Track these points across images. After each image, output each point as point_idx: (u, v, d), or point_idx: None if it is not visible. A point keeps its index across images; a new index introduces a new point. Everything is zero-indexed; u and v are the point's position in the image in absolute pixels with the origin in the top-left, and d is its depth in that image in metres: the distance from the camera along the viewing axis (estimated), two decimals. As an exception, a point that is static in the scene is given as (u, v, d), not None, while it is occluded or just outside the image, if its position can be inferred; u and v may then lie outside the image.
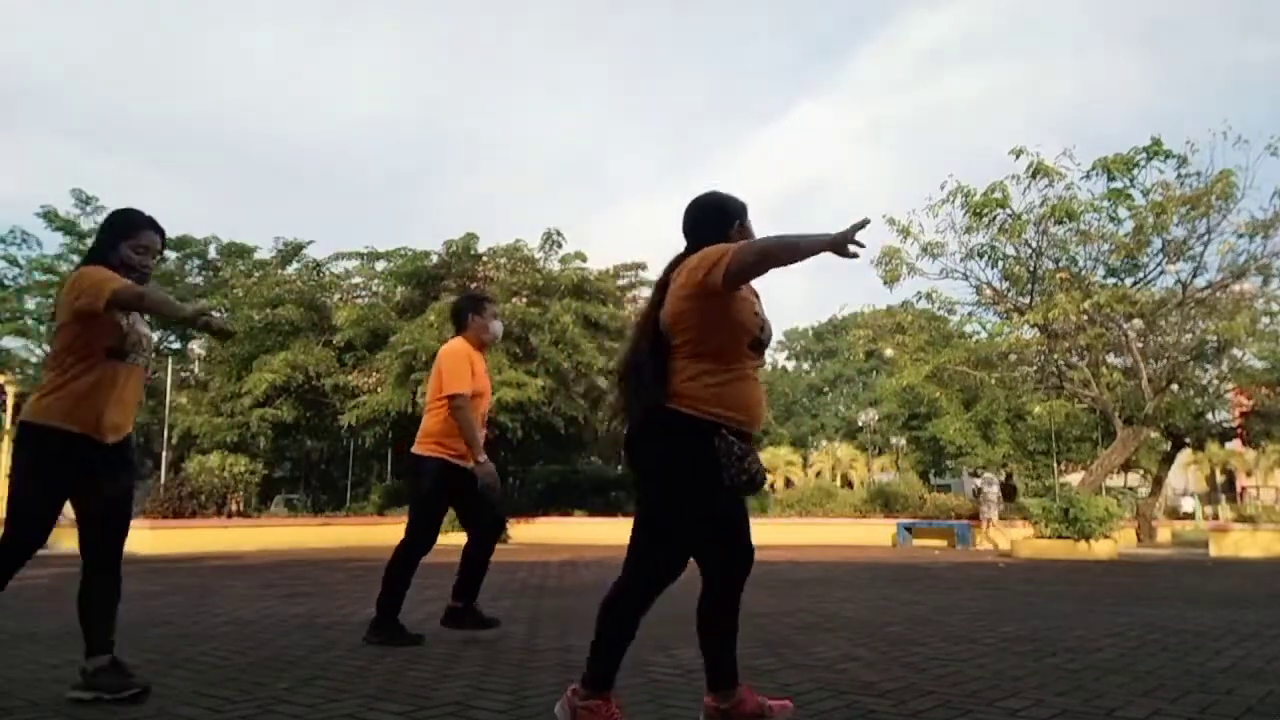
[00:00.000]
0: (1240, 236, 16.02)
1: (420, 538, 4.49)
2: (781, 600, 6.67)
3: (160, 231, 3.34)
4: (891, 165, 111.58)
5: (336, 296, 19.61)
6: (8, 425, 23.82)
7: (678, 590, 5.09)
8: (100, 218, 31.35)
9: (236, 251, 27.69)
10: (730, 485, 2.52)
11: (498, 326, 4.77)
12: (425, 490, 4.50)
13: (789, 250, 2.48)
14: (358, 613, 5.59)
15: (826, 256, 2.42)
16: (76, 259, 26.97)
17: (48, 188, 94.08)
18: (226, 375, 19.43)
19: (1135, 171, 16.29)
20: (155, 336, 24.07)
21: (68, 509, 3.20)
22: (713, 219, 2.75)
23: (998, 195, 16.27)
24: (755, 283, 2.72)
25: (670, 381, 2.59)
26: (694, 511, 2.56)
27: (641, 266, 20.92)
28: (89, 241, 26.08)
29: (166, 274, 27.12)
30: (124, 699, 3.00)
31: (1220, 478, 40.22)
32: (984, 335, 18.75)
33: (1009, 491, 24.31)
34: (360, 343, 18.86)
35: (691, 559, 2.66)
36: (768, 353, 2.94)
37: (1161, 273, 17.03)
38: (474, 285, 19.50)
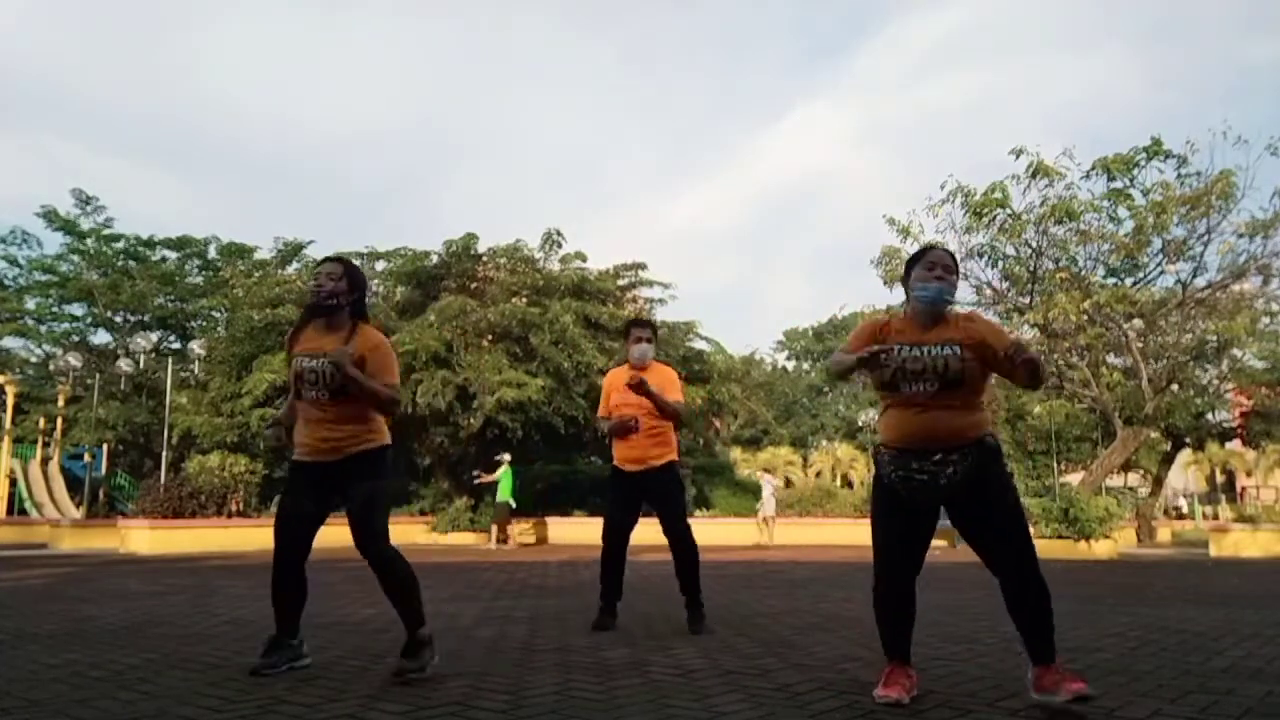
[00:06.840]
0: (1240, 236, 16.01)
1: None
2: (781, 600, 6.67)
3: (333, 261, 3.88)
4: (892, 165, 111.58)
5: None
6: (8, 425, 23.74)
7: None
8: (100, 218, 30.50)
9: (236, 251, 27.67)
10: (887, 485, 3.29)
11: (636, 350, 5.05)
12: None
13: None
14: (357, 613, 5.59)
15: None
16: (76, 259, 26.93)
17: (48, 188, 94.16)
18: (226, 375, 19.40)
19: (1135, 171, 16.27)
20: (156, 336, 23.66)
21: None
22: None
23: (997, 195, 16.25)
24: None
25: None
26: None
27: (642, 266, 20.82)
28: (89, 242, 26.07)
29: (167, 274, 27.08)
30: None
31: (1220, 478, 40.10)
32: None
33: None
34: (360, 343, 18.76)
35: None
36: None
37: (1161, 273, 17.02)
38: (474, 285, 19.44)
